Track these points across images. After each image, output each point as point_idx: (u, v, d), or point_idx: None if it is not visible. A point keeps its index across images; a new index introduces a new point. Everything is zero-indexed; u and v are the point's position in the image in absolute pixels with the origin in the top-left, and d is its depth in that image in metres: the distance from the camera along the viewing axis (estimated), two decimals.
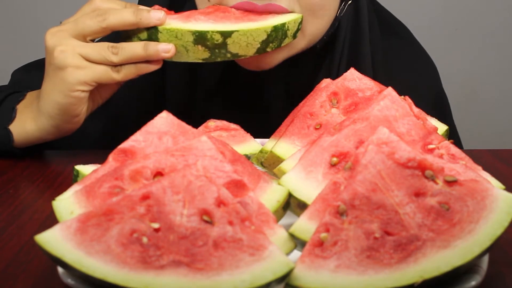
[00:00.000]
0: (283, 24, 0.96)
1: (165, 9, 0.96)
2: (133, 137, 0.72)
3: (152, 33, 0.93)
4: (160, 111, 0.75)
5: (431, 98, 1.22)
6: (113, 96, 1.04)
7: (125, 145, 0.72)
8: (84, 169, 0.76)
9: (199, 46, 0.93)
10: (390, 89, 0.79)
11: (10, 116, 1.00)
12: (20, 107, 1.01)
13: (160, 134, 0.72)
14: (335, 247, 0.61)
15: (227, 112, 1.12)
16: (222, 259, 0.58)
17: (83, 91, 0.94)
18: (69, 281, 0.60)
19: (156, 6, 0.96)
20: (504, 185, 0.74)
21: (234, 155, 0.74)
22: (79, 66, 0.92)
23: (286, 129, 0.87)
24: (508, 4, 2.37)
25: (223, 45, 0.93)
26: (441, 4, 2.38)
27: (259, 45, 0.95)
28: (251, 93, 1.16)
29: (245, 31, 0.93)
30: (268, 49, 0.97)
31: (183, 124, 0.74)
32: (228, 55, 0.95)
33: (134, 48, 0.92)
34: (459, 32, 2.38)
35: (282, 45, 0.98)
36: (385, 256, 0.60)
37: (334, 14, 1.08)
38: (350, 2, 1.13)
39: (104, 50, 0.92)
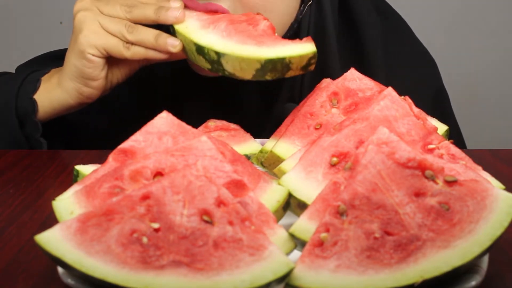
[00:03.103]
0: (282, 58, 0.89)
1: (200, 11, 0.97)
2: (133, 137, 0.72)
3: (173, 29, 0.97)
4: (158, 110, 0.75)
5: (431, 95, 1.22)
6: (115, 97, 1.04)
7: (125, 145, 0.72)
8: (84, 169, 0.76)
9: (201, 57, 0.93)
10: (390, 89, 0.79)
11: (35, 86, 1.04)
12: (45, 78, 1.06)
13: (160, 134, 0.72)
14: (335, 247, 0.61)
15: (201, 111, 1.10)
16: (222, 259, 0.58)
17: (94, 55, 0.99)
18: (69, 281, 0.60)
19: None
20: (504, 185, 0.74)
21: (234, 155, 0.74)
22: (94, 31, 0.98)
23: (286, 129, 0.87)
24: (509, 4, 2.37)
25: (219, 63, 0.92)
26: (441, 4, 2.38)
27: (254, 72, 0.91)
28: (226, 92, 1.15)
29: (237, 56, 0.90)
30: (267, 77, 0.91)
31: (183, 124, 0.74)
32: (226, 72, 0.93)
33: (147, 34, 0.97)
34: (459, 32, 2.38)
35: (287, 76, 0.92)
36: (385, 256, 0.60)
37: (288, 16, 1.09)
38: (310, 3, 1.12)
39: (121, 26, 0.97)
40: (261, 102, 1.16)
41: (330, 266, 0.60)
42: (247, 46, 0.91)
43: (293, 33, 1.11)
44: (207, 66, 0.94)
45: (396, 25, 1.25)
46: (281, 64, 0.89)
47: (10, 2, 2.39)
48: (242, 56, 0.90)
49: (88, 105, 1.05)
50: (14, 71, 1.21)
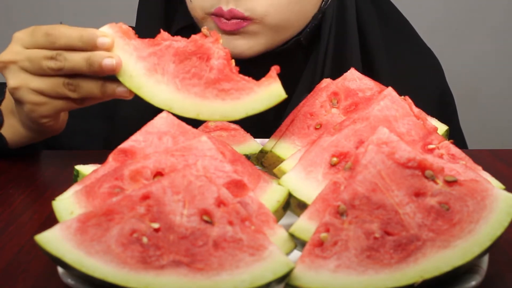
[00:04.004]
0: (252, 115, 0.80)
1: (138, 39, 0.85)
2: (133, 137, 0.72)
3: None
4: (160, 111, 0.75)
5: (436, 96, 1.22)
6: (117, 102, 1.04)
7: (125, 145, 0.72)
8: (84, 169, 0.76)
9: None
10: (390, 89, 0.79)
11: None
12: (4, 108, 0.99)
13: (160, 134, 0.72)
14: (335, 247, 0.61)
15: None
16: (222, 259, 0.58)
17: (49, 120, 0.92)
18: (69, 281, 0.60)
19: (118, 25, 0.85)
20: (504, 185, 0.74)
21: (234, 155, 0.74)
22: (37, 103, 0.89)
23: (286, 129, 0.87)
24: (509, 3, 2.37)
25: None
26: (442, 4, 2.38)
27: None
28: None
29: (202, 119, 0.80)
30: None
31: (183, 124, 0.74)
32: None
33: (91, 88, 0.87)
34: (460, 32, 2.38)
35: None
36: (385, 256, 0.60)
37: (313, 6, 1.10)
38: None
39: (60, 87, 0.88)
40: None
41: (330, 266, 0.60)
42: (210, 103, 0.80)
43: (317, 23, 1.12)
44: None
45: (399, 26, 1.25)
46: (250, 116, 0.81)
47: (10, 2, 2.39)
48: (208, 119, 0.81)
49: (89, 110, 1.04)
50: None
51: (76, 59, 0.86)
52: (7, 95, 1.00)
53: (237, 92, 0.81)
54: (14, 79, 0.89)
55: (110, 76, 0.86)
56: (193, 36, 0.84)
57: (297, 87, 1.15)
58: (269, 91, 0.80)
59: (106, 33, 0.85)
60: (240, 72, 0.83)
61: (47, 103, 0.89)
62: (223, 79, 0.81)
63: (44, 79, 0.88)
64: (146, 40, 0.84)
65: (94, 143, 1.18)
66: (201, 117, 0.80)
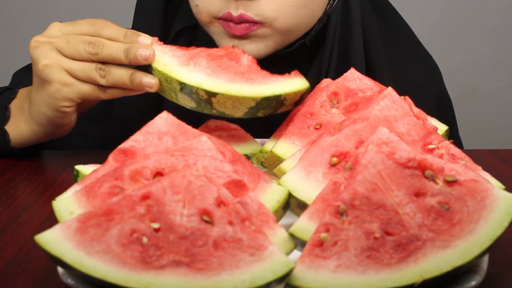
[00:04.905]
0: (278, 96, 0.86)
1: (173, 46, 0.91)
2: (133, 137, 0.72)
3: (148, 66, 0.90)
4: (159, 111, 0.75)
5: (434, 101, 1.22)
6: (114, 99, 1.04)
7: (125, 145, 0.72)
8: (84, 169, 0.76)
9: (186, 96, 0.87)
10: (390, 89, 0.79)
11: (5, 115, 1.00)
12: (13, 106, 1.01)
13: (160, 134, 0.72)
14: (335, 247, 0.61)
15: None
16: (222, 259, 0.58)
17: (70, 106, 0.94)
18: (69, 281, 0.60)
19: (155, 39, 0.92)
20: (504, 185, 0.74)
21: (234, 155, 0.74)
22: (64, 83, 0.91)
23: (286, 129, 0.87)
24: (508, 3, 2.37)
25: (208, 101, 0.86)
26: (441, 4, 2.38)
27: (246, 110, 0.87)
28: None
29: (231, 95, 0.85)
30: (259, 115, 0.88)
31: (183, 124, 0.74)
32: (214, 111, 0.87)
33: (121, 75, 0.91)
34: (459, 32, 2.39)
35: (278, 112, 0.89)
36: (385, 256, 0.60)
37: (319, 9, 1.09)
38: None
39: (92, 71, 0.91)
40: None
41: (330, 266, 0.60)
42: (239, 84, 0.86)
43: (322, 27, 1.12)
44: (191, 105, 0.88)
45: (398, 28, 1.25)
46: (276, 101, 0.87)
47: (10, 2, 2.39)
48: (237, 96, 0.85)
49: (88, 112, 1.04)
50: (13, 72, 1.20)
51: (114, 46, 0.91)
52: (19, 95, 1.02)
53: (264, 80, 0.88)
54: (47, 57, 0.92)
55: (141, 68, 0.91)
56: (224, 46, 0.93)
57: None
58: (295, 81, 0.89)
59: (147, 35, 0.92)
60: None
61: (74, 84, 0.92)
62: (251, 72, 0.88)
63: (77, 62, 0.91)
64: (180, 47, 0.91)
65: (90, 145, 1.17)
66: (230, 92, 0.85)
